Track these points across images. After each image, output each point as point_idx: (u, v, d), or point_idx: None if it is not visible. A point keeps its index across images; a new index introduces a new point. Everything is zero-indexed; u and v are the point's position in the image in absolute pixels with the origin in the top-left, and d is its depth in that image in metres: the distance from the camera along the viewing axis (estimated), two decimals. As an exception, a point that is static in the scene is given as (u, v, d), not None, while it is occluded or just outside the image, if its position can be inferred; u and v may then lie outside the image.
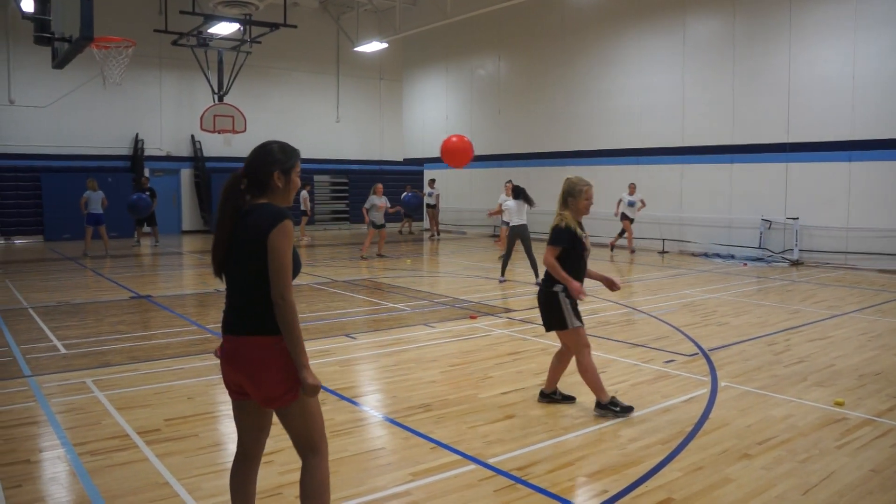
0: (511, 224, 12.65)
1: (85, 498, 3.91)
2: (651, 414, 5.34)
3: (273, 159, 3.00)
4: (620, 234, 18.11)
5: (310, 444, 3.03)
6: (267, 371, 2.88)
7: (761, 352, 7.43)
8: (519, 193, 12.58)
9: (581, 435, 4.91)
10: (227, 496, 3.88)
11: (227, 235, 2.98)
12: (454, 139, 11.64)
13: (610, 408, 5.31)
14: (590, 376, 5.33)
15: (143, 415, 5.29)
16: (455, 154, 11.43)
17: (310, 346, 6.41)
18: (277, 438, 4.78)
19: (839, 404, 5.57)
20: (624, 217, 17.67)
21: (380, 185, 16.70)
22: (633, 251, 17.53)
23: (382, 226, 16.71)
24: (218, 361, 6.64)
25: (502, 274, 12.89)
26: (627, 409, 5.31)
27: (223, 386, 6.16)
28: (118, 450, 4.59)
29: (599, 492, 4.00)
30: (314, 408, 3.02)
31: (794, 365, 6.88)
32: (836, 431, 4.99)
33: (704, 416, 5.30)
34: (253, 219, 2.92)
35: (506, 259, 12.78)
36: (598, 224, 20.30)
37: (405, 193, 21.67)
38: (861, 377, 6.44)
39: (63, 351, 7.38)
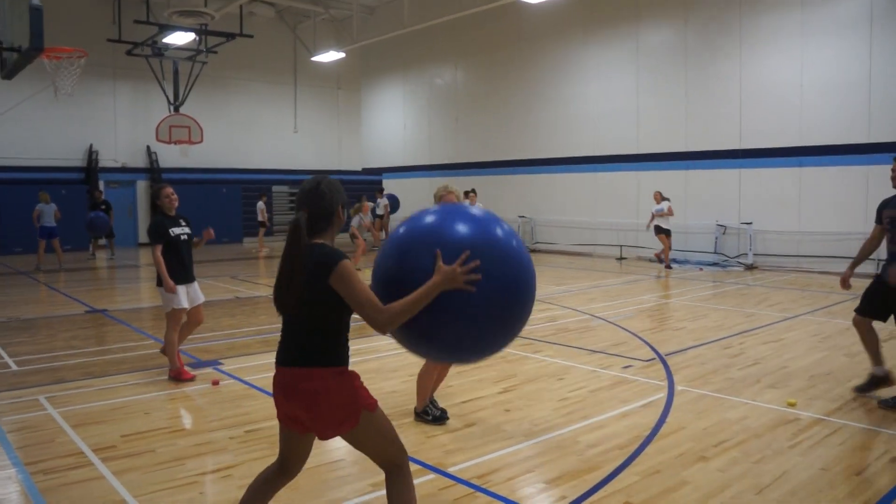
0: None
1: (38, 518, 3.84)
2: (609, 419, 5.41)
3: (335, 190, 3.08)
4: (669, 249, 16.28)
5: (388, 460, 3.05)
6: (324, 402, 2.89)
7: (717, 355, 7.57)
8: None
9: (540, 442, 4.95)
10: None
11: (292, 274, 2.95)
12: None
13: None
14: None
15: (98, 431, 5.20)
16: None
17: (267, 359, 6.23)
18: (236, 452, 4.75)
19: (791, 405, 5.71)
20: (659, 230, 16.10)
21: (367, 205, 17.01)
22: (668, 266, 16.18)
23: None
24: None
25: None
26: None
27: (181, 400, 6.10)
28: (73, 468, 4.50)
29: (558, 498, 4.04)
30: (380, 425, 3.02)
31: (749, 367, 7.03)
32: (788, 431, 5.11)
33: (661, 420, 5.39)
34: (312, 258, 2.93)
35: None
36: (556, 231, 20.52)
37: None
38: (812, 378, 6.61)
39: (14, 368, 7.20)
